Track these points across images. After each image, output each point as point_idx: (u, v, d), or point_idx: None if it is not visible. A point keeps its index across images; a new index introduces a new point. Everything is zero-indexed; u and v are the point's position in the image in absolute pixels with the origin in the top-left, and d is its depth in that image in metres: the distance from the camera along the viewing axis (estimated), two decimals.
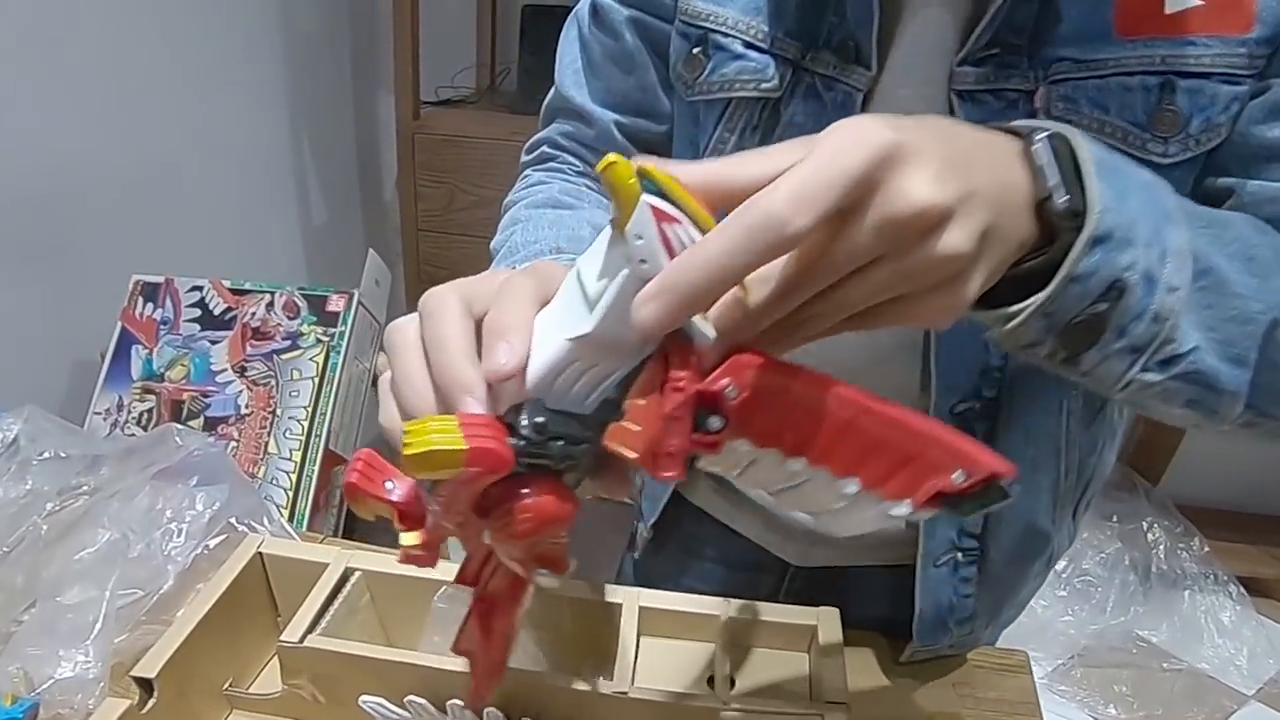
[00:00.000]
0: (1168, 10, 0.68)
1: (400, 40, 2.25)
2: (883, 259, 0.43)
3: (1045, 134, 0.51)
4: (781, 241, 0.40)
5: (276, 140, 2.41)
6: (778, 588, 0.99)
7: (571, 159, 0.96)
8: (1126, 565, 2.53)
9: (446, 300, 0.50)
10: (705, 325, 0.45)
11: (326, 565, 0.79)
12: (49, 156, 1.70)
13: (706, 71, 0.81)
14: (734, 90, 0.80)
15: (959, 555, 0.87)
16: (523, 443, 0.45)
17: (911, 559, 0.88)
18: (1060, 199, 0.49)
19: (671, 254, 0.40)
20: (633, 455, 0.42)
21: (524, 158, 1.00)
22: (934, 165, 0.43)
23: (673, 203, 0.40)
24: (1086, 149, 0.51)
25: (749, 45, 0.78)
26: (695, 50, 0.82)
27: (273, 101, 2.36)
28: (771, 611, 0.78)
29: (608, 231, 0.43)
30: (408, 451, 0.42)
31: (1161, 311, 0.53)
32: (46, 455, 0.95)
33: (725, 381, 0.42)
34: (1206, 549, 2.60)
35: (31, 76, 1.63)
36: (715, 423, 0.43)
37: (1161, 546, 2.60)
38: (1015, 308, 0.51)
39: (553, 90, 0.97)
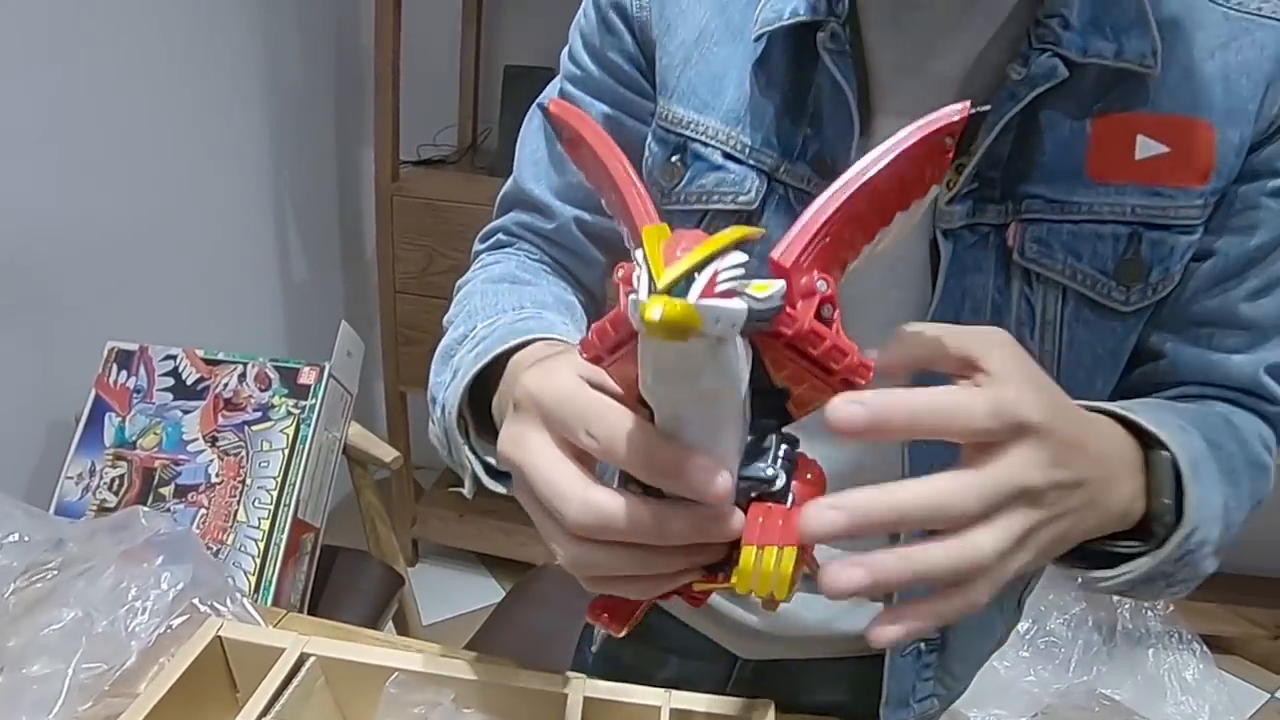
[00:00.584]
0: (1138, 156, 0.72)
1: (381, 103, 2.27)
2: None
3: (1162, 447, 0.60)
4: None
5: (258, 199, 2.43)
6: (727, 677, 1.01)
7: (529, 246, 0.96)
8: (1090, 625, 2.55)
9: (584, 497, 0.49)
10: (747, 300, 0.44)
11: (283, 650, 0.81)
12: (27, 220, 1.72)
13: (684, 181, 0.82)
14: (712, 203, 0.81)
15: (922, 645, 0.91)
16: (783, 488, 0.50)
17: (858, 651, 0.93)
18: (1167, 519, 0.59)
19: (721, 292, 0.41)
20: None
21: (477, 246, 1.00)
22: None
23: (694, 270, 0.40)
24: (1183, 453, 0.60)
25: (728, 156, 0.80)
26: (674, 158, 0.83)
27: (255, 159, 2.39)
28: (711, 703, 0.80)
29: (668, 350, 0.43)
30: (781, 597, 0.47)
31: (1200, 559, 0.62)
32: (13, 538, 0.98)
33: (811, 283, 0.46)
34: (1171, 608, 2.62)
35: (7, 139, 1.65)
36: (829, 310, 0.47)
37: (1126, 606, 2.61)
38: (1109, 577, 0.60)
39: (510, 180, 0.97)
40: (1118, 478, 0.57)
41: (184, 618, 0.91)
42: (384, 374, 2.58)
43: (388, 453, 1.80)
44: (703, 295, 0.39)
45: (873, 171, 0.46)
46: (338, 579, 1.72)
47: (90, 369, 1.58)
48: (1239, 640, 2.73)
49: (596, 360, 0.49)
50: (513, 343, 0.67)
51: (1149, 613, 2.61)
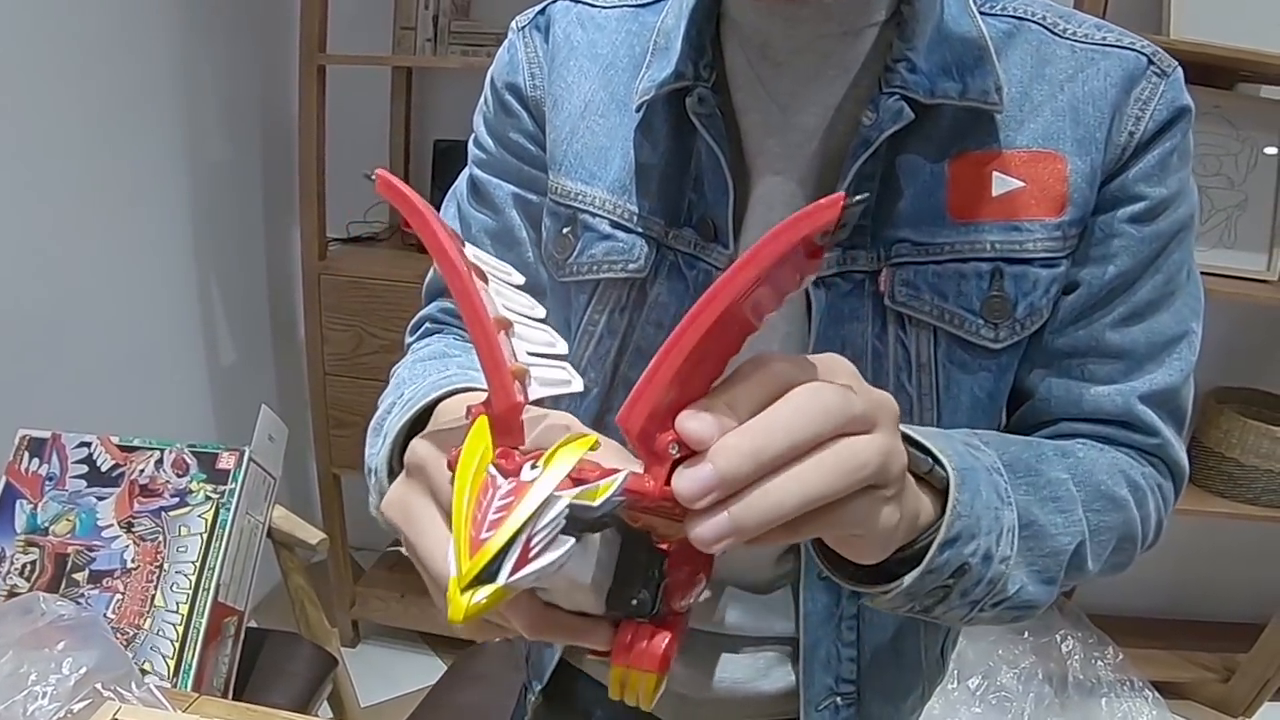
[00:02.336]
0: (994, 193, 0.73)
1: (305, 181, 2.27)
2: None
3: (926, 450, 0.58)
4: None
5: (183, 282, 2.40)
6: None
7: (456, 330, 0.96)
8: (1041, 678, 2.54)
9: None
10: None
11: None
12: None
13: (576, 252, 0.83)
14: (602, 272, 0.82)
15: (838, 700, 0.89)
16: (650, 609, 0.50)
17: (789, 713, 0.91)
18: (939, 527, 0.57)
19: (537, 552, 0.40)
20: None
21: (408, 338, 1.00)
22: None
23: (504, 553, 0.39)
24: (949, 459, 0.58)
25: (616, 225, 0.81)
26: (565, 230, 0.84)
27: (178, 241, 2.35)
28: None
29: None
30: (646, 707, 0.52)
31: (995, 576, 0.60)
32: None
33: (664, 448, 0.43)
34: (1121, 657, 2.62)
35: None
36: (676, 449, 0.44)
37: (1076, 657, 2.62)
38: (884, 590, 0.58)
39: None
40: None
41: (86, 702, 0.89)
42: (316, 457, 2.56)
43: (313, 535, 1.78)
44: (514, 570, 0.38)
45: (723, 302, 0.42)
46: (267, 662, 1.69)
47: (0, 456, 1.55)
48: (1191, 685, 2.75)
49: None
50: (435, 395, 0.67)
51: (1099, 662, 2.61)
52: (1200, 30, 2.05)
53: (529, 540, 0.39)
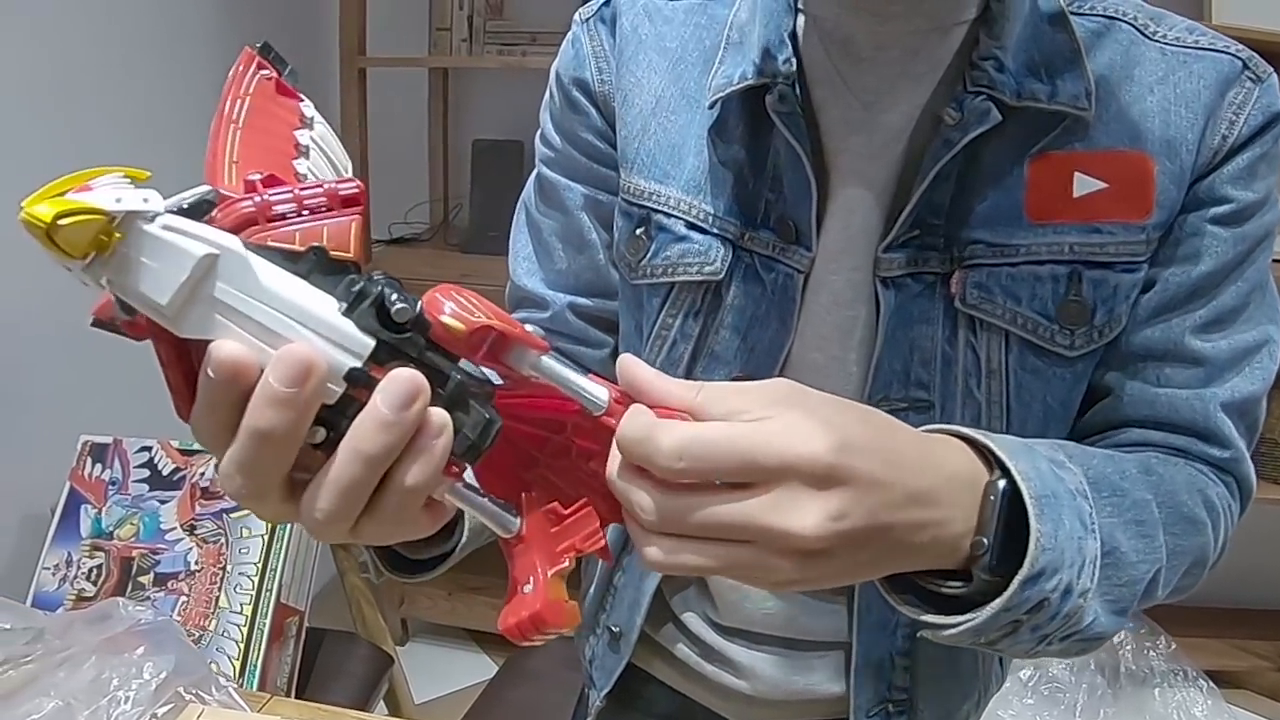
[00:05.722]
0: (1075, 194, 0.71)
1: None
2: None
3: (1000, 476, 0.54)
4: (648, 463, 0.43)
5: None
6: None
7: None
8: (1093, 668, 2.52)
9: None
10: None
11: None
12: None
13: (649, 254, 0.81)
14: (677, 274, 0.80)
15: (890, 706, 0.88)
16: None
17: (840, 713, 0.90)
18: (984, 560, 0.53)
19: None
20: None
21: None
22: (842, 501, 0.46)
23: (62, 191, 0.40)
24: (1030, 484, 0.54)
25: (691, 226, 0.79)
26: (639, 231, 0.82)
27: None
28: None
29: None
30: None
31: (1071, 610, 0.56)
32: None
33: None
34: (1173, 646, 2.60)
35: None
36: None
37: (1128, 647, 2.59)
38: (947, 625, 0.54)
39: (509, 283, 0.95)
40: (954, 496, 0.53)
41: (168, 706, 0.90)
42: None
43: None
44: (80, 191, 0.39)
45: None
46: (325, 661, 1.70)
47: (63, 461, 1.56)
48: (1245, 674, 2.72)
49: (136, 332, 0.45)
50: None
51: (1151, 652, 2.59)
52: (1242, 15, 2.00)
53: (88, 184, 0.40)
